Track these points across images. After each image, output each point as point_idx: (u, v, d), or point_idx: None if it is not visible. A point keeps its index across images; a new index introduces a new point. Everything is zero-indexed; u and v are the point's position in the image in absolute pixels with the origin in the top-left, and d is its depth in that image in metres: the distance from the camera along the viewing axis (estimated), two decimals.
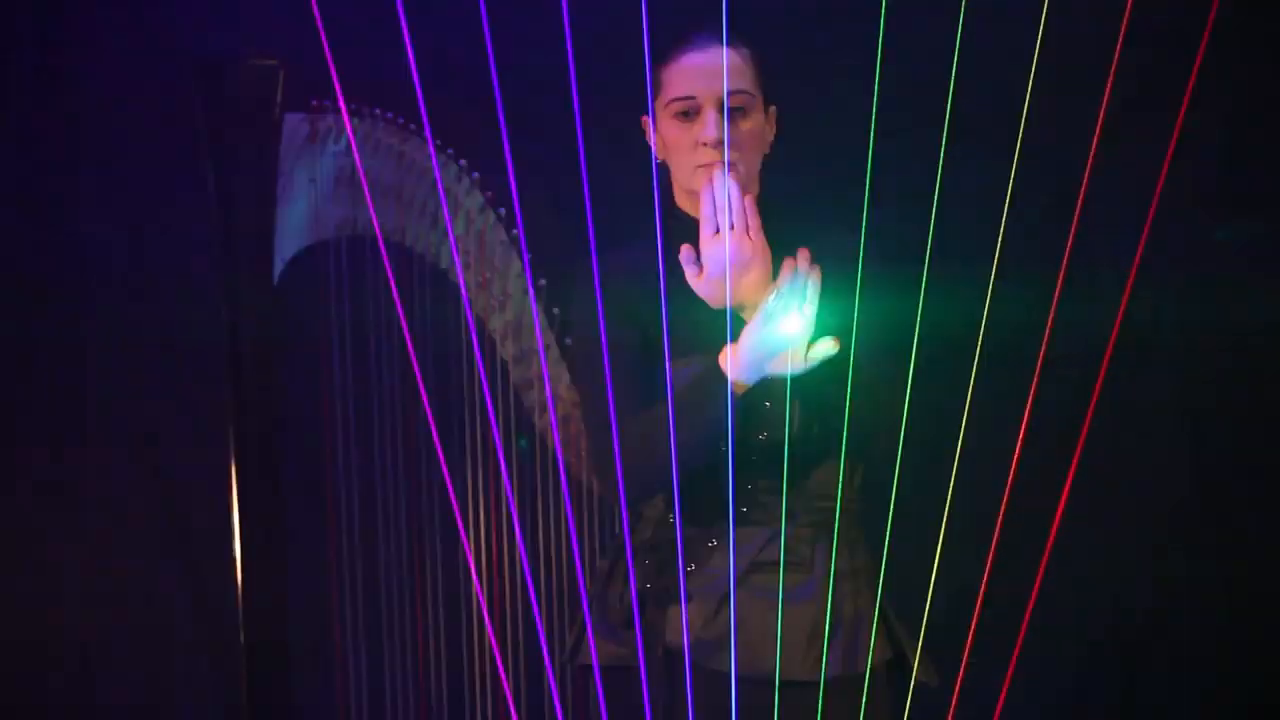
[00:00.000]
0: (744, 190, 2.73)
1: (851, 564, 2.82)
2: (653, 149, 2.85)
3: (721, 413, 2.65)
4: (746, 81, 2.79)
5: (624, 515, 2.79)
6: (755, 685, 2.72)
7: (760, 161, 2.84)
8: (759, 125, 2.80)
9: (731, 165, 2.75)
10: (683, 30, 2.80)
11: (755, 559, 2.78)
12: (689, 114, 2.78)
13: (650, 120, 2.85)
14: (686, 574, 2.79)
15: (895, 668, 2.83)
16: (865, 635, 2.79)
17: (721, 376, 2.66)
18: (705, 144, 2.76)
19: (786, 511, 2.78)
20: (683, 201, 2.86)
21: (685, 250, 2.67)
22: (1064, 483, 2.54)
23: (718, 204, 2.67)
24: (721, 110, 2.75)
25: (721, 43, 2.78)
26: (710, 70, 2.77)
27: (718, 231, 2.65)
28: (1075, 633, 4.15)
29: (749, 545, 2.78)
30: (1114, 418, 4.09)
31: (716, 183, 2.66)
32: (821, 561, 2.80)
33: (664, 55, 2.81)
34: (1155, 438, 4.16)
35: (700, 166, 2.77)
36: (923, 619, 2.75)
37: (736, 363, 2.66)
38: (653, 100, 2.83)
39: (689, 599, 2.77)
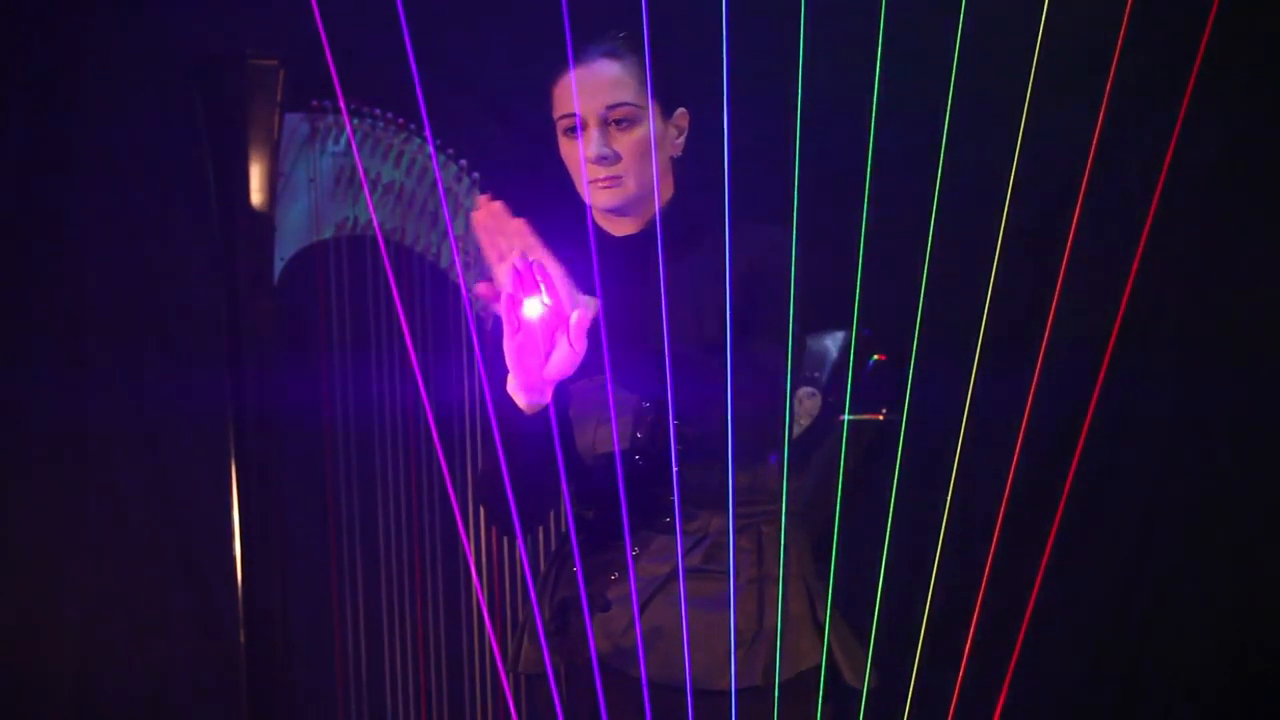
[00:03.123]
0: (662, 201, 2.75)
1: (784, 570, 2.81)
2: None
3: (521, 432, 2.62)
4: (628, 93, 2.79)
5: (519, 533, 2.79)
6: (676, 693, 2.72)
7: (662, 165, 2.84)
8: (647, 135, 2.80)
9: (619, 178, 2.77)
10: (578, 43, 2.81)
11: (675, 567, 2.78)
12: (576, 130, 2.79)
13: None
14: (609, 581, 2.80)
15: (830, 674, 2.80)
16: (792, 643, 2.78)
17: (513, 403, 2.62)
18: (589, 161, 2.78)
19: (707, 520, 2.79)
20: (594, 213, 2.87)
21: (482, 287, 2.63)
22: (1064, 482, 2.55)
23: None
24: (604, 126, 2.78)
25: (604, 55, 2.79)
26: (591, 86, 2.78)
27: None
28: (1075, 633, 4.15)
29: (671, 553, 2.78)
30: (1114, 418, 4.09)
31: (477, 222, 2.60)
32: (745, 568, 2.79)
33: (551, 71, 2.81)
34: (1155, 437, 4.16)
35: (587, 183, 2.79)
36: (872, 620, 2.75)
37: (514, 385, 2.61)
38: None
39: (609, 607, 2.78)
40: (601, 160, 2.77)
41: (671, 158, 2.87)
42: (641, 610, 2.77)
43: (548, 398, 2.58)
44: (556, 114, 2.82)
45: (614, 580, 2.80)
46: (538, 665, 2.85)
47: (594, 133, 2.78)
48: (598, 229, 2.87)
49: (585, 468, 2.81)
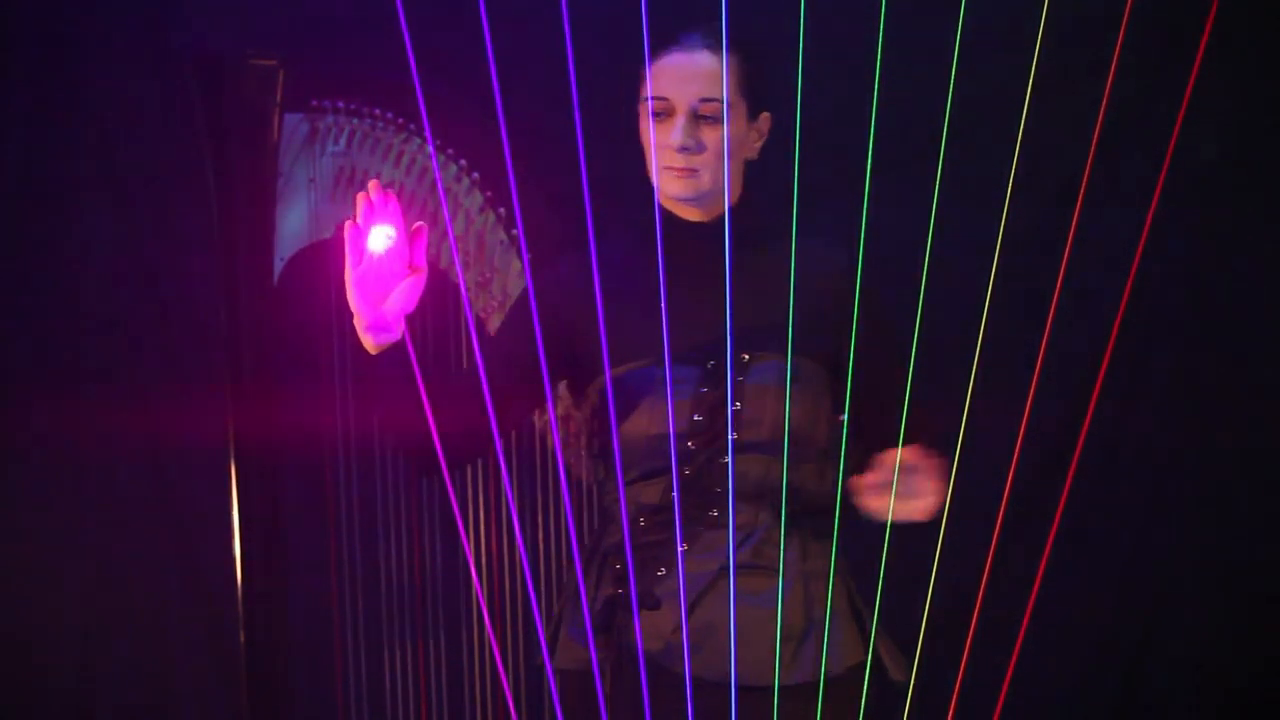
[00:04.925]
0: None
1: (825, 566, 2.81)
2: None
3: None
4: (721, 89, 2.80)
5: (623, 515, 2.79)
6: (725, 690, 2.71)
7: (737, 167, 2.85)
8: (733, 134, 2.81)
9: (696, 171, 2.78)
10: (677, 29, 2.82)
11: (724, 563, 2.78)
12: (661, 115, 2.80)
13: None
14: (657, 578, 2.79)
15: (873, 669, 2.81)
16: (838, 638, 2.78)
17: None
18: (671, 147, 2.78)
19: (754, 514, 2.79)
20: (661, 198, 2.88)
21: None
22: (1064, 483, 2.55)
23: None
24: (693, 116, 2.78)
25: (706, 47, 2.79)
26: (687, 74, 2.79)
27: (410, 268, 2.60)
28: (1075, 633, 4.15)
29: (720, 549, 2.78)
30: (1114, 417, 4.09)
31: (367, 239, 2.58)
32: (793, 564, 2.79)
33: (653, 52, 2.82)
34: (1156, 436, 4.16)
35: (663, 168, 2.80)
36: (881, 619, 2.76)
37: (360, 325, 2.63)
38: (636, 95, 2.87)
39: (659, 605, 2.77)
40: (684, 150, 2.78)
41: (746, 160, 2.87)
42: (692, 608, 2.77)
43: (396, 334, 2.60)
44: (645, 95, 2.82)
45: (661, 576, 2.79)
46: (578, 662, 2.83)
47: (681, 120, 2.79)
48: (664, 212, 2.87)
49: (636, 452, 2.82)
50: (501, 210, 3.36)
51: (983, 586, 2.60)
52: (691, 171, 2.79)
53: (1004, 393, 3.03)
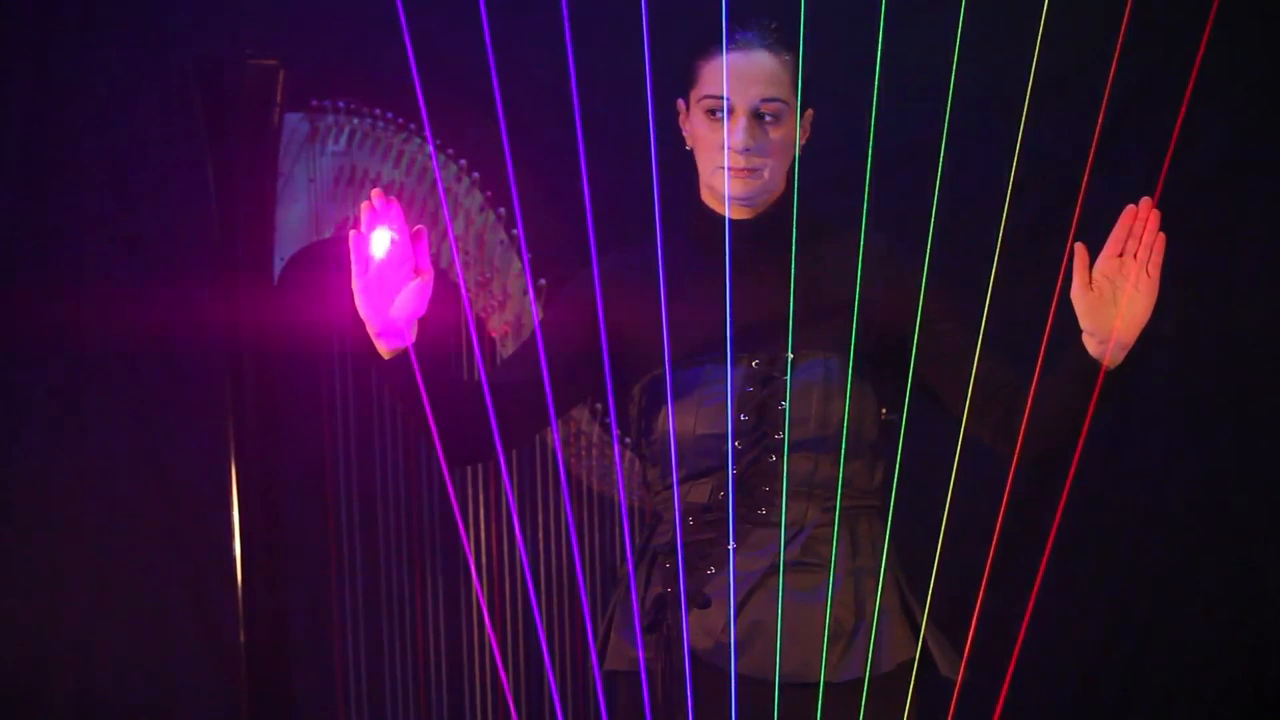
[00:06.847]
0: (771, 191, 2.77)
1: (874, 562, 2.81)
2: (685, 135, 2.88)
3: (390, 381, 2.68)
4: (782, 89, 2.79)
5: (678, 519, 2.79)
6: (782, 688, 2.71)
7: (789, 163, 2.84)
8: (789, 132, 2.81)
9: (758, 171, 2.78)
10: (728, 28, 2.80)
11: (773, 560, 2.77)
12: (719, 114, 2.79)
13: (685, 107, 2.86)
14: (706, 576, 2.79)
15: (924, 666, 2.81)
16: (889, 635, 2.78)
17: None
18: (733, 149, 2.76)
19: (803, 511, 2.79)
20: (705, 195, 2.87)
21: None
22: (1063, 484, 2.55)
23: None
24: (753, 116, 2.77)
25: (763, 46, 2.79)
26: (748, 74, 2.77)
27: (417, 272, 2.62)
28: (1075, 633, 4.15)
29: (769, 546, 2.78)
30: (1114, 417, 4.09)
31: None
32: (843, 560, 2.79)
33: (704, 49, 2.80)
34: (1155, 437, 4.16)
35: (720, 168, 2.78)
36: (932, 615, 2.76)
37: (372, 333, 2.64)
38: (686, 91, 2.85)
39: (709, 604, 2.77)
40: (747, 151, 2.77)
41: (792, 157, 2.87)
42: (741, 606, 2.76)
43: (409, 339, 2.61)
44: (702, 93, 2.80)
45: (710, 575, 2.79)
46: (630, 662, 2.81)
47: (744, 121, 2.77)
48: (706, 210, 2.87)
49: (683, 452, 2.81)
50: (501, 210, 3.36)
51: (983, 587, 2.60)
52: (754, 171, 2.78)
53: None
